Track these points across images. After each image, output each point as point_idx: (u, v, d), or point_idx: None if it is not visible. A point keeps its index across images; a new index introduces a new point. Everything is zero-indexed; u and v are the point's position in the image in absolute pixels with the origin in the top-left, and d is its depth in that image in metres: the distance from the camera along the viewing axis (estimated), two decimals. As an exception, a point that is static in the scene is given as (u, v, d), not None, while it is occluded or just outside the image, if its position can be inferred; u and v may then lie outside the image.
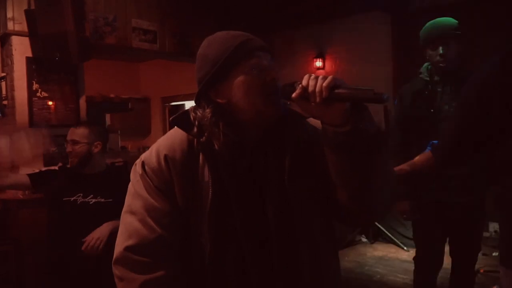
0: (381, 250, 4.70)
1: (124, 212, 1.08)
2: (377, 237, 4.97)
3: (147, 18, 4.65)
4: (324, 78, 0.93)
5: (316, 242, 1.08)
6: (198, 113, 1.07)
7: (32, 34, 3.77)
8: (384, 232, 4.84)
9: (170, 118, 1.13)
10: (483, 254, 4.08)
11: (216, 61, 1.05)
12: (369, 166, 0.97)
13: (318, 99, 0.93)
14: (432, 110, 2.31)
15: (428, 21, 2.36)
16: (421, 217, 2.42)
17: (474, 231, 2.41)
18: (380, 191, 1.02)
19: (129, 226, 1.05)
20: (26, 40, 3.82)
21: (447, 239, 2.48)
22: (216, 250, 1.02)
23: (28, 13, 3.74)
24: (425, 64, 2.42)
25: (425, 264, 2.48)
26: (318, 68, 5.76)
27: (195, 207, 1.04)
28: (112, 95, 6.99)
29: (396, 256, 4.46)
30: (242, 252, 1.02)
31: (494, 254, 4.13)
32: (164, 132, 7.62)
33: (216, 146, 1.03)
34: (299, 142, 1.07)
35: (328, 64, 5.75)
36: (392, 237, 4.80)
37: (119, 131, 7.03)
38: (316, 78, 0.94)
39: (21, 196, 3.78)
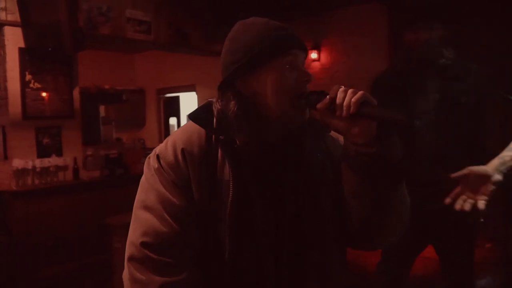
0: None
1: (137, 208, 1.01)
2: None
3: (141, 8, 4.61)
4: (354, 92, 0.90)
5: (327, 252, 1.04)
6: (218, 105, 1.01)
7: (25, 24, 3.73)
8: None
9: (187, 114, 1.06)
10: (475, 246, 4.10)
11: (251, 49, 0.98)
12: (387, 191, 0.95)
13: (344, 113, 0.89)
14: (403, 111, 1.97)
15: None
16: None
17: (461, 242, 2.09)
18: (395, 217, 1.00)
19: (144, 223, 0.97)
20: (18, 31, 3.78)
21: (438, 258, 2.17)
22: (236, 252, 0.96)
23: (21, 3, 3.70)
24: (402, 50, 2.12)
25: (390, 267, 2.21)
26: (314, 60, 5.73)
27: (214, 206, 0.98)
28: (107, 86, 6.94)
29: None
30: (261, 255, 0.97)
31: (487, 245, 4.16)
32: (159, 123, 7.61)
33: (238, 142, 0.98)
34: (318, 152, 1.04)
35: (323, 56, 5.73)
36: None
37: (113, 123, 7.00)
38: (346, 91, 0.91)
39: (14, 188, 3.77)
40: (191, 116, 1.04)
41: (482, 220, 2.01)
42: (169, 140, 1.04)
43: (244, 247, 0.96)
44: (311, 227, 1.01)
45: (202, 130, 1.02)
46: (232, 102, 0.98)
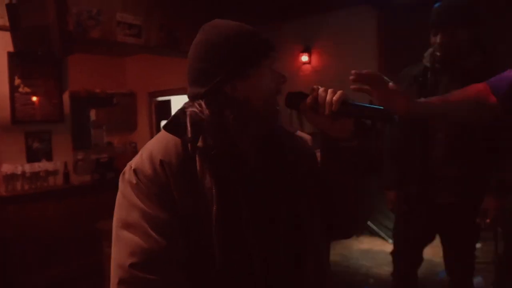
0: (366, 243, 4.74)
1: (119, 228, 0.95)
2: (362, 230, 5.03)
3: (132, 11, 4.59)
4: (334, 91, 0.96)
5: (323, 250, 1.08)
6: (208, 112, 0.97)
7: (14, 28, 3.69)
8: (370, 225, 4.89)
9: (162, 126, 1.03)
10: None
11: (238, 55, 0.97)
12: (366, 180, 1.02)
13: (327, 111, 0.96)
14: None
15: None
16: (407, 210, 2.26)
17: (467, 236, 2.22)
18: (369, 203, 1.09)
19: (129, 242, 0.92)
20: (7, 35, 3.75)
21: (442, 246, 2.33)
22: (226, 259, 0.94)
23: (9, 7, 3.66)
24: (431, 49, 2.19)
25: (402, 259, 2.36)
26: (304, 63, 5.75)
27: (198, 214, 0.95)
28: (97, 90, 6.91)
29: (381, 249, 4.50)
30: (251, 259, 0.96)
31: (477, 245, 4.20)
32: (151, 127, 7.57)
33: (240, 148, 0.98)
34: (296, 151, 1.07)
35: (314, 59, 5.75)
36: (378, 230, 4.85)
37: (104, 126, 6.96)
38: (326, 90, 0.97)
39: (4, 193, 3.73)
40: (166, 128, 1.01)
41: (488, 220, 2.10)
42: (143, 153, 1.00)
43: (234, 253, 0.95)
44: (307, 225, 1.02)
45: (177, 139, 0.99)
46: (228, 109, 0.96)
